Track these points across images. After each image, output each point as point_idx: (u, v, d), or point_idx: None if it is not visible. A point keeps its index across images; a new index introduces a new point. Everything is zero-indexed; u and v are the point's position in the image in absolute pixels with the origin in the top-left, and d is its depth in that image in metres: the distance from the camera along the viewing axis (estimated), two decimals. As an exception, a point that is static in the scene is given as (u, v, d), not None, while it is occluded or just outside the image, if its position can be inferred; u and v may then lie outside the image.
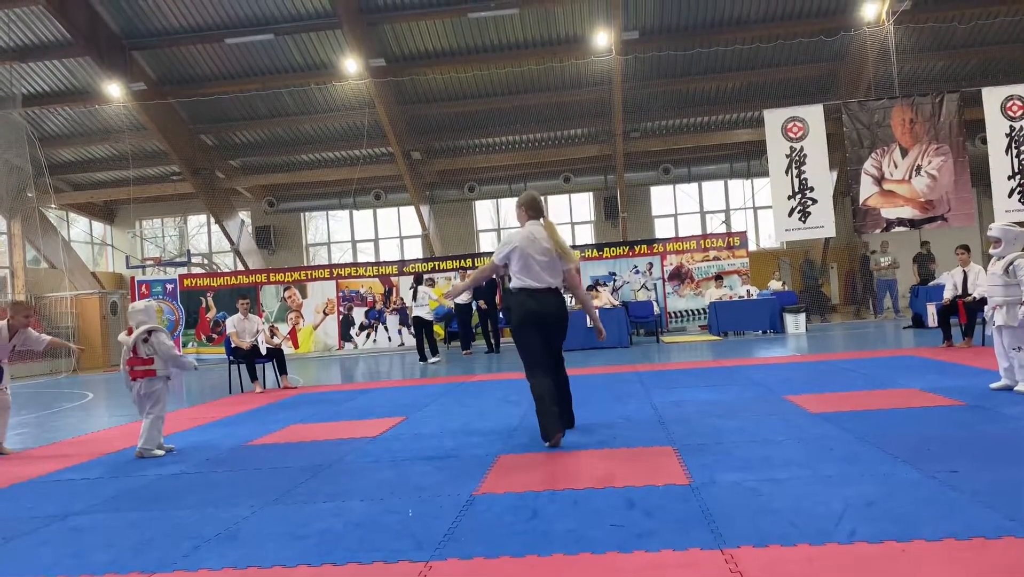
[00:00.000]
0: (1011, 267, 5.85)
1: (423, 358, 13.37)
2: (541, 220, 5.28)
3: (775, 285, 16.95)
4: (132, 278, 18.92)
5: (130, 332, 5.88)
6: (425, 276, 16.34)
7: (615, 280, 17.27)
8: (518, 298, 5.16)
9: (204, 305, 17.92)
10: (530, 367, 5.07)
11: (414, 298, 13.92)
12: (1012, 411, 5.14)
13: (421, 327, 13.70)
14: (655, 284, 17.28)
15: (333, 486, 4.29)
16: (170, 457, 5.61)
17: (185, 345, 17.85)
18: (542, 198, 5.46)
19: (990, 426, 4.77)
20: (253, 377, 10.17)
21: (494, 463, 4.58)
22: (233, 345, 10.30)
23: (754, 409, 5.93)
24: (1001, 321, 5.93)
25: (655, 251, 17.49)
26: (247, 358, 10.22)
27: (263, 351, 10.34)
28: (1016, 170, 15.43)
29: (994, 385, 6.06)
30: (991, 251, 6.12)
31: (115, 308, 20.15)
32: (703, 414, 5.84)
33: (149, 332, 5.85)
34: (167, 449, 5.81)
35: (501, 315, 16.43)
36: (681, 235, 20.96)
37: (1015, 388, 5.88)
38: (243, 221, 22.73)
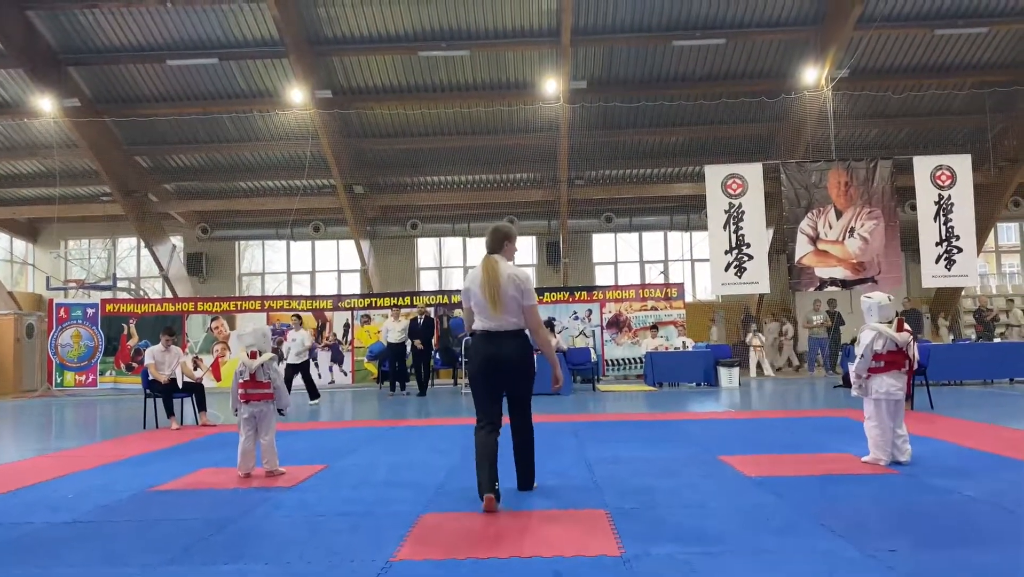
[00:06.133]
0: (857, 340, 5.94)
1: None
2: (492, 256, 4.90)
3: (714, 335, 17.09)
4: (51, 300, 18.03)
5: (252, 356, 5.98)
6: (361, 313, 16.01)
7: (554, 325, 17.16)
8: (471, 342, 4.90)
9: (126, 332, 17.15)
10: (476, 416, 4.81)
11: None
12: (940, 482, 5.09)
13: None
14: (593, 331, 17.24)
15: (238, 544, 3.94)
16: (65, 502, 5.15)
17: (103, 373, 17.04)
18: (507, 229, 5.01)
19: (922, 497, 4.71)
20: (170, 412, 9.65)
21: (416, 522, 4.29)
22: (151, 377, 9.79)
23: (689, 470, 5.78)
24: (854, 393, 5.99)
25: (595, 298, 17.48)
26: (165, 392, 9.71)
27: (180, 385, 9.86)
28: (943, 237, 15.95)
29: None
30: None
31: (31, 331, 19.14)
32: (638, 473, 5.66)
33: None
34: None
35: (437, 356, 16.15)
36: (620, 283, 21.09)
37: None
38: (174, 246, 21.99)
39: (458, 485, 5.33)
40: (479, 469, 4.58)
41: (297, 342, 13.19)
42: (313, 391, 13.27)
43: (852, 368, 5.98)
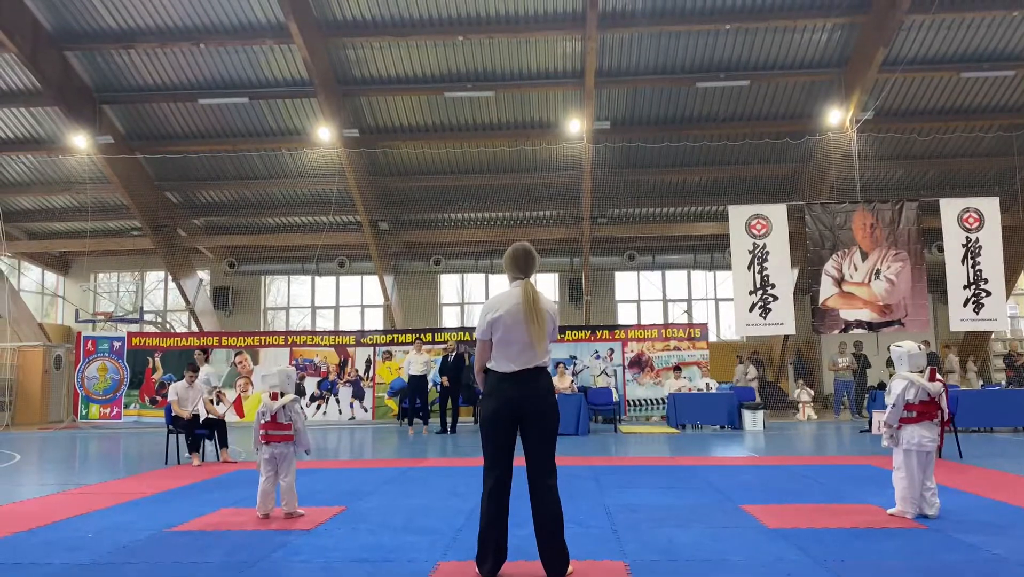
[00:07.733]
0: (888, 389, 5.87)
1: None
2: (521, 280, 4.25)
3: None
4: (79, 333, 18.29)
5: (274, 397, 6.03)
6: (383, 349, 16.05)
7: (575, 364, 17.10)
8: (490, 381, 4.23)
9: (151, 365, 17.32)
10: (486, 469, 4.18)
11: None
12: (969, 539, 4.98)
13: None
14: (615, 370, 17.13)
15: (254, 591, 3.95)
16: (84, 541, 5.18)
17: (128, 406, 17.19)
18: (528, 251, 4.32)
19: (950, 554, 4.60)
20: (192, 448, 9.70)
21: (433, 572, 4.27)
22: (174, 413, 9.87)
23: (710, 519, 5.70)
24: (884, 443, 5.90)
25: (617, 337, 17.41)
26: (187, 428, 9.77)
27: (203, 416, 9.94)
28: (971, 280, 15.73)
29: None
30: None
31: (59, 362, 19.41)
32: (658, 522, 5.60)
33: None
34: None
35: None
36: (643, 322, 20.97)
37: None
38: (201, 280, 22.28)
39: (476, 533, 5.28)
40: (483, 543, 4.13)
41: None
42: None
43: (882, 418, 5.90)
